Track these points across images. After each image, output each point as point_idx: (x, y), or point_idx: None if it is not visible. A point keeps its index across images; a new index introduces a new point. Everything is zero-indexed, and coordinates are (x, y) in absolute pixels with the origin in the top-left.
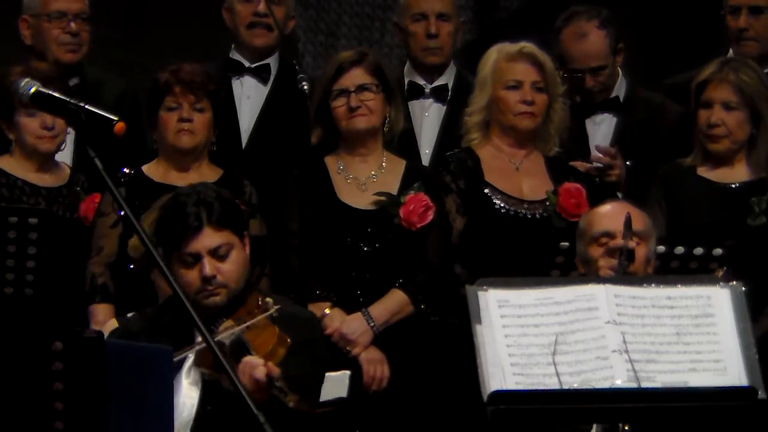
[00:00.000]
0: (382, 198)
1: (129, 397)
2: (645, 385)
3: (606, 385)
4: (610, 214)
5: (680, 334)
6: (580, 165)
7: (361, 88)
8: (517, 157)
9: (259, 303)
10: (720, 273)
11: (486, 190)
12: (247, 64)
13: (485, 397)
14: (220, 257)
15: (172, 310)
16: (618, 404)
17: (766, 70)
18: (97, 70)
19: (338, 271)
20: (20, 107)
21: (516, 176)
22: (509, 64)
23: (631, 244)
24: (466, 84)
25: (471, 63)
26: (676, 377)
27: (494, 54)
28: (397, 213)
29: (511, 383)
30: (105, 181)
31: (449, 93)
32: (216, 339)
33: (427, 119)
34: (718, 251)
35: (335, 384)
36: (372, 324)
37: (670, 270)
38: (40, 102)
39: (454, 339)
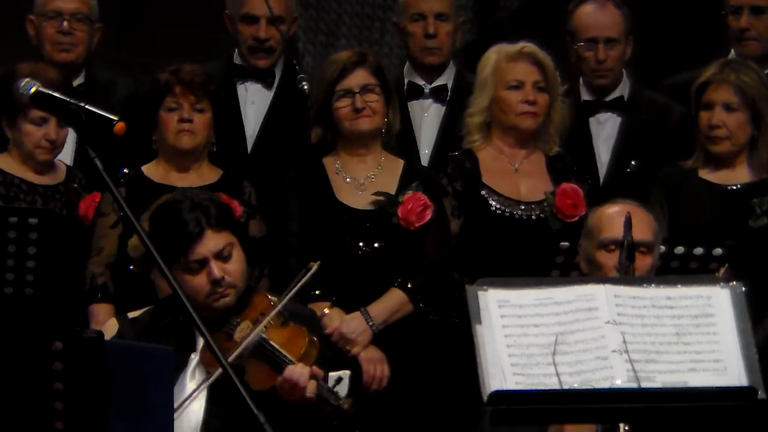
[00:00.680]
0: (381, 198)
1: (129, 398)
2: (645, 385)
3: (606, 385)
4: (621, 222)
5: (680, 334)
6: None
7: (366, 89)
8: (518, 158)
9: (271, 303)
10: (722, 271)
11: (483, 192)
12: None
13: (485, 397)
14: (224, 258)
15: (169, 312)
16: (618, 404)
17: (766, 71)
18: (107, 71)
19: (337, 271)
20: (25, 112)
21: (514, 177)
22: (510, 65)
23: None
24: (466, 84)
25: (471, 63)
26: (676, 377)
27: (494, 55)
28: (396, 212)
29: (511, 383)
30: (105, 181)
31: (449, 93)
32: (241, 341)
33: (427, 119)
34: (718, 251)
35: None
36: (371, 323)
37: (670, 270)
38: (40, 102)
39: (454, 338)
